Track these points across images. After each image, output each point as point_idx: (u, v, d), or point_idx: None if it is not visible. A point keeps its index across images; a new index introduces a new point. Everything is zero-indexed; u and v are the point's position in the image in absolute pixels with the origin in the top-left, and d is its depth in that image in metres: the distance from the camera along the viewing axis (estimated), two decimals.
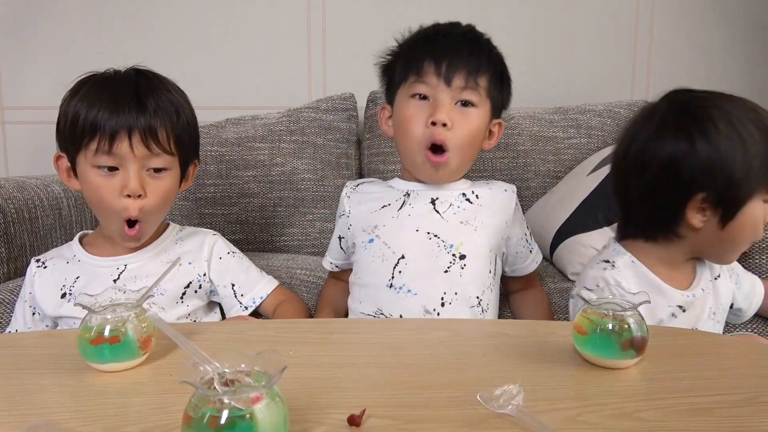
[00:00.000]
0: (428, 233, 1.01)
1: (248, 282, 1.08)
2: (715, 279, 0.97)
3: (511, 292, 1.18)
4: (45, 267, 1.02)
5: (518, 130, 1.61)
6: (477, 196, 1.06)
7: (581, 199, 1.37)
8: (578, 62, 1.87)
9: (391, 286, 0.99)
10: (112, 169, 0.93)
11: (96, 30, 1.81)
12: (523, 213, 1.55)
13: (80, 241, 1.04)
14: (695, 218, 0.86)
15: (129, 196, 0.93)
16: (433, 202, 1.04)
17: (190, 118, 1.00)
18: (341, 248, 1.14)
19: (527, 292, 1.16)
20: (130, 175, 0.92)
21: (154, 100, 0.94)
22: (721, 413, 0.56)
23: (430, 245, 1.00)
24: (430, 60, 0.99)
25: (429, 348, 0.73)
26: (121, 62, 1.04)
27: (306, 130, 1.61)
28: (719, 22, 1.87)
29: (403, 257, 1.00)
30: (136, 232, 0.96)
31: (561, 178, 1.56)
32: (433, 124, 0.98)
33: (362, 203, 1.09)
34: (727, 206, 0.85)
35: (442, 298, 0.98)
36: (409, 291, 0.98)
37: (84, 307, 0.65)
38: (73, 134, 0.93)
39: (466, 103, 1.00)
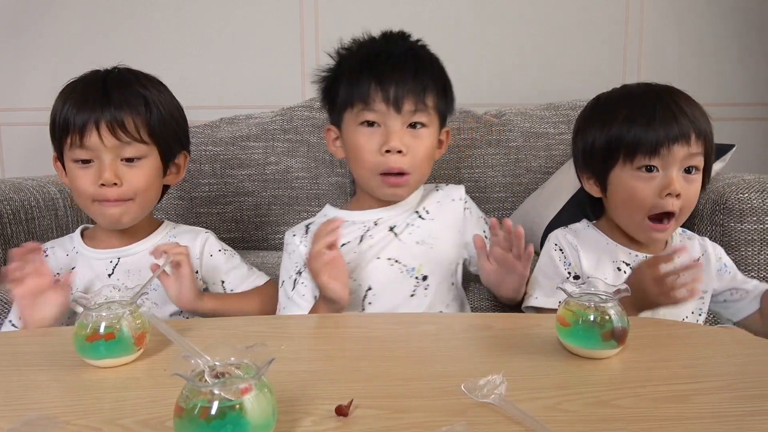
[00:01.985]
0: (389, 259, 1.02)
1: (238, 277, 1.09)
2: (696, 260, 1.02)
3: None
4: (47, 256, 1.05)
5: (510, 127, 1.63)
6: (427, 211, 1.07)
7: (571, 193, 1.39)
8: (569, 58, 1.88)
9: None
10: (87, 161, 0.97)
11: (92, 32, 1.82)
12: (515, 208, 1.58)
13: (81, 233, 1.07)
14: (592, 189, 1.02)
15: (104, 185, 0.96)
16: (391, 229, 1.05)
17: (166, 110, 1.01)
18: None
19: None
20: (104, 165, 0.95)
21: (119, 92, 0.97)
22: (697, 400, 0.58)
23: (393, 272, 1.01)
24: (375, 86, 0.96)
25: (417, 341, 0.75)
26: (114, 64, 1.05)
27: (300, 129, 1.62)
28: (709, 15, 1.88)
29: (370, 288, 1.01)
30: (115, 204, 0.97)
31: (552, 174, 1.58)
32: (388, 152, 0.98)
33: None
34: (598, 176, 1.00)
35: None
36: None
37: (80, 305, 0.67)
38: (54, 134, 0.99)
39: (415, 125, 1.00)
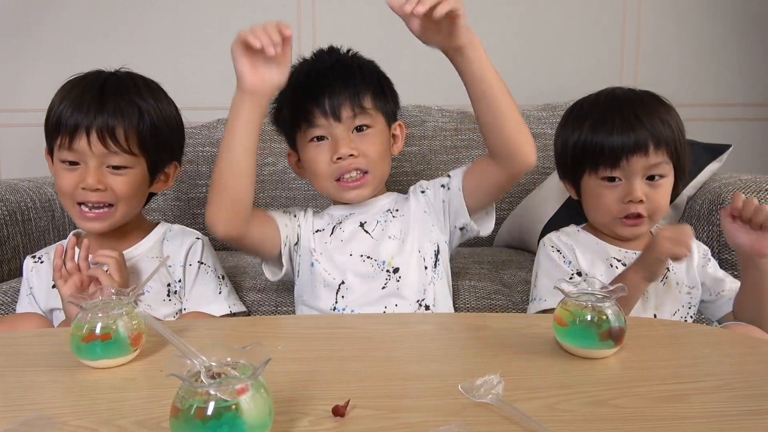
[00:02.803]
0: (361, 255, 1.04)
1: (197, 293, 1.04)
2: None
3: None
4: (42, 262, 1.05)
5: None
6: (397, 210, 1.08)
7: (567, 194, 1.39)
8: (566, 59, 1.89)
9: (334, 309, 1.02)
10: (74, 163, 0.97)
11: (91, 33, 1.82)
12: (513, 208, 1.58)
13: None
14: (571, 192, 1.08)
15: (85, 189, 0.95)
16: (362, 225, 1.07)
17: (160, 120, 1.01)
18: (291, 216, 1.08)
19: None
20: (89, 170, 0.96)
21: (115, 100, 0.97)
22: (694, 399, 0.58)
23: (365, 267, 1.03)
24: (311, 104, 1.01)
25: (413, 341, 0.75)
26: (114, 65, 1.06)
27: None
28: (707, 16, 1.88)
29: (343, 282, 1.03)
30: (95, 216, 0.97)
31: (550, 174, 1.58)
32: (340, 159, 1.00)
33: (305, 227, 1.09)
34: (572, 181, 1.07)
35: (384, 312, 1.00)
36: (352, 311, 1.01)
37: (76, 305, 0.67)
38: (47, 130, 0.99)
39: (361, 128, 1.03)
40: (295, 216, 1.09)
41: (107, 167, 0.97)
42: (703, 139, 1.47)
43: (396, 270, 1.03)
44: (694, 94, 1.91)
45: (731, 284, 1.04)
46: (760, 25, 1.89)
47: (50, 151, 1.01)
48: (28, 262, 1.06)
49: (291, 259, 1.08)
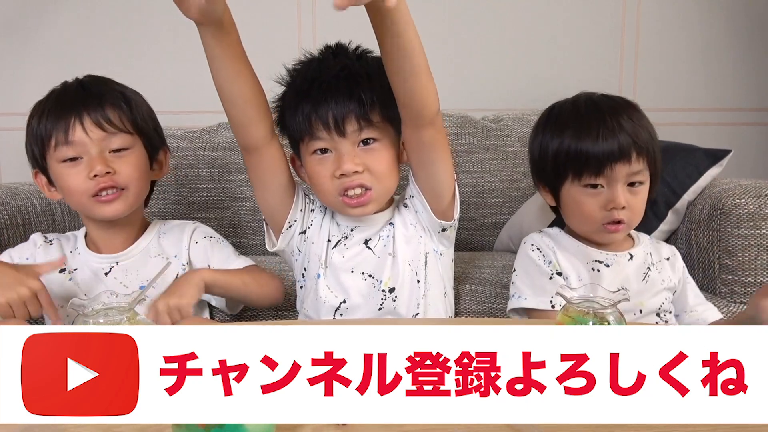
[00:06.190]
0: (363, 273, 1.03)
1: (222, 259, 1.09)
2: (666, 259, 1.09)
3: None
4: (51, 244, 1.06)
5: (507, 132, 1.63)
6: (394, 224, 1.05)
7: None
8: (566, 63, 1.89)
9: None
10: (75, 159, 0.97)
11: (89, 37, 1.82)
12: (512, 213, 1.58)
13: (84, 235, 1.08)
14: (547, 198, 1.08)
15: (96, 176, 0.95)
16: (366, 242, 1.05)
17: (145, 107, 1.05)
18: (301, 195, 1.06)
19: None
20: (93, 159, 0.96)
21: (98, 89, 0.99)
22: None
23: (366, 286, 1.02)
24: (314, 116, 0.95)
25: None
26: (112, 68, 1.07)
27: None
28: (706, 22, 1.89)
29: (344, 301, 1.02)
30: (112, 197, 0.97)
31: None
32: (343, 175, 0.96)
33: (321, 228, 1.06)
34: (550, 187, 1.06)
35: None
36: None
37: (76, 311, 0.67)
38: (35, 145, 0.99)
39: (368, 141, 0.97)
40: (312, 210, 1.07)
41: (109, 152, 0.97)
42: (703, 144, 1.47)
43: (392, 290, 1.02)
44: (693, 99, 1.91)
45: (695, 318, 1.06)
46: (760, 29, 1.90)
47: (40, 166, 1.01)
48: (37, 238, 1.06)
49: (290, 243, 1.06)
